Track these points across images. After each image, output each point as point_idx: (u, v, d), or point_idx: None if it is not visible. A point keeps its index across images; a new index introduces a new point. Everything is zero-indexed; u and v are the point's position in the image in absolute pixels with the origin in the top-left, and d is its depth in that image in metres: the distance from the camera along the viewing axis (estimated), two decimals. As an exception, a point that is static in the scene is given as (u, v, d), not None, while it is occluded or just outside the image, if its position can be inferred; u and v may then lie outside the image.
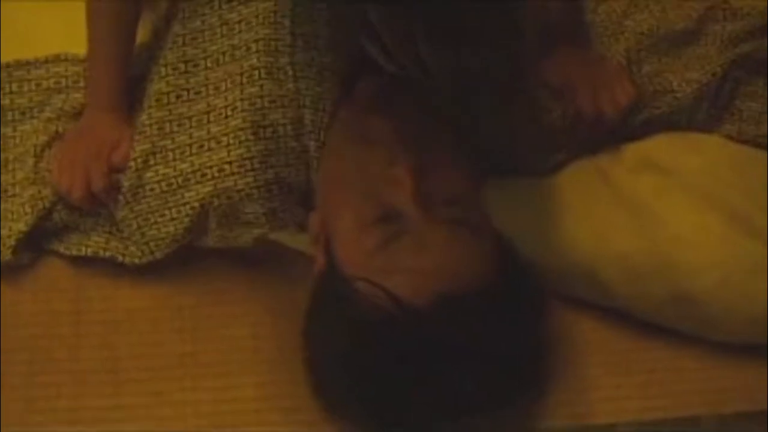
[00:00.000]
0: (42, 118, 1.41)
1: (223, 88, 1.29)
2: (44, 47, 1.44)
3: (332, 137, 1.27)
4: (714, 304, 1.29)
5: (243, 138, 1.27)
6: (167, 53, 1.33)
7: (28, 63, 1.44)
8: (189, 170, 1.29)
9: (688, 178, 1.35)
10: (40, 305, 1.35)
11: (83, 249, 1.37)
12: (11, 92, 1.43)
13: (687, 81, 1.40)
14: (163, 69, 1.32)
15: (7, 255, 1.35)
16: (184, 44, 1.32)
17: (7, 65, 1.44)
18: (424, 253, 1.16)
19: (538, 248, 1.31)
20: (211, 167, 1.28)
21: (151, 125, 1.31)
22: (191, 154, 1.29)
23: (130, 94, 1.37)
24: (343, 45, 1.26)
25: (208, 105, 1.30)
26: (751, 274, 1.29)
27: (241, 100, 1.27)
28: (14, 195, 1.38)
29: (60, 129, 1.40)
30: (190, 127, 1.30)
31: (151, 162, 1.31)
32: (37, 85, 1.43)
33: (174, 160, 1.30)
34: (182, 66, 1.32)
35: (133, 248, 1.35)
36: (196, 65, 1.31)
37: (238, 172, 1.27)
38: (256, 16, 1.28)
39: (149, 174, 1.31)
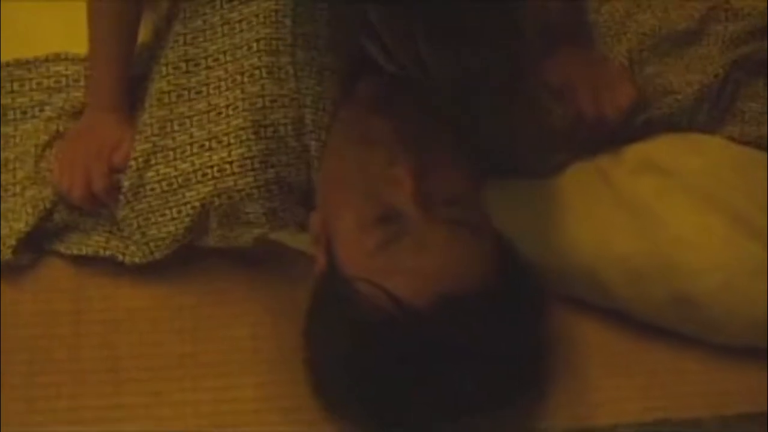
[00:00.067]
0: (43, 117, 1.41)
1: (224, 87, 1.29)
2: (44, 47, 1.44)
3: (333, 137, 1.27)
4: (715, 307, 1.28)
5: (244, 137, 1.27)
6: (168, 52, 1.33)
7: (28, 62, 1.44)
8: (190, 170, 1.29)
9: (689, 179, 1.34)
10: (40, 305, 1.35)
11: (84, 248, 1.37)
12: (12, 91, 1.43)
13: (688, 82, 1.40)
14: (164, 68, 1.32)
15: (7, 255, 1.35)
16: (185, 43, 1.32)
17: (8, 64, 1.44)
18: (424, 254, 1.16)
19: (539, 249, 1.31)
20: (211, 167, 1.28)
21: (152, 125, 1.31)
22: (192, 154, 1.29)
23: (131, 93, 1.37)
24: (344, 45, 1.26)
25: (209, 104, 1.30)
26: (752, 276, 1.28)
27: (242, 99, 1.27)
28: (15, 195, 1.38)
29: (61, 128, 1.40)
30: (191, 126, 1.30)
31: (152, 161, 1.31)
32: (38, 84, 1.43)
33: (175, 159, 1.30)
34: (183, 65, 1.32)
35: (133, 248, 1.34)
36: (197, 65, 1.31)
37: (239, 172, 1.27)
38: (257, 16, 1.28)
39: (150, 173, 1.31)
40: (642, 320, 1.33)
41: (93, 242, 1.37)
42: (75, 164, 1.34)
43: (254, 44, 1.27)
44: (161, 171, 1.30)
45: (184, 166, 1.29)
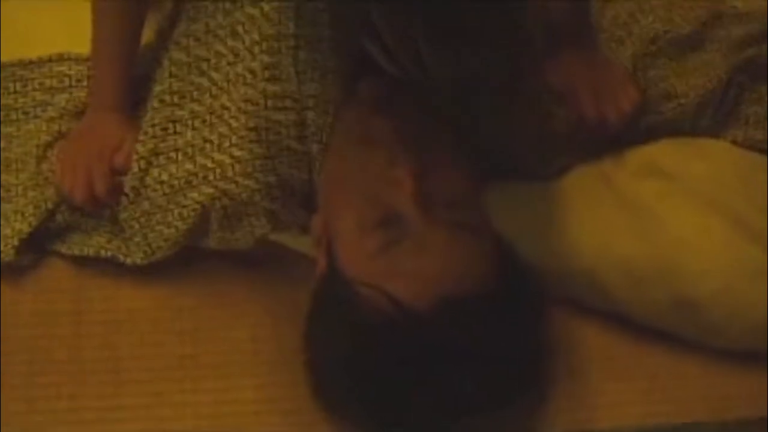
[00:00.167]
0: (45, 117, 1.41)
1: (227, 89, 1.29)
2: (45, 47, 1.45)
3: (334, 139, 1.27)
4: (716, 310, 1.28)
5: (246, 139, 1.27)
6: (171, 54, 1.33)
7: (30, 62, 1.44)
8: (192, 171, 1.29)
9: (692, 183, 1.34)
10: (41, 305, 1.35)
11: (85, 249, 1.37)
12: (15, 92, 1.43)
13: (692, 87, 1.39)
14: (167, 69, 1.33)
15: (9, 255, 1.35)
16: (188, 45, 1.32)
17: (10, 64, 1.44)
18: (424, 256, 1.16)
19: (540, 252, 1.31)
20: (213, 168, 1.28)
21: (154, 126, 1.31)
22: (194, 155, 1.29)
23: (134, 94, 1.37)
24: (345, 45, 1.26)
25: (211, 106, 1.30)
26: (753, 280, 1.28)
27: (244, 101, 1.27)
28: (17, 195, 1.38)
29: (63, 128, 1.40)
30: (193, 128, 1.30)
31: (154, 163, 1.31)
32: (41, 84, 1.43)
33: (177, 161, 1.30)
34: (186, 67, 1.32)
35: (134, 248, 1.34)
36: (199, 66, 1.31)
37: (241, 174, 1.27)
38: (260, 17, 1.28)
39: (152, 175, 1.31)
40: (642, 323, 1.33)
41: (94, 243, 1.37)
42: (76, 165, 1.34)
43: (256, 46, 1.27)
44: (163, 172, 1.30)
45: (186, 167, 1.29)
